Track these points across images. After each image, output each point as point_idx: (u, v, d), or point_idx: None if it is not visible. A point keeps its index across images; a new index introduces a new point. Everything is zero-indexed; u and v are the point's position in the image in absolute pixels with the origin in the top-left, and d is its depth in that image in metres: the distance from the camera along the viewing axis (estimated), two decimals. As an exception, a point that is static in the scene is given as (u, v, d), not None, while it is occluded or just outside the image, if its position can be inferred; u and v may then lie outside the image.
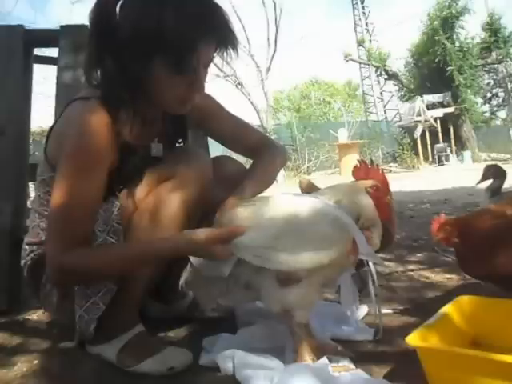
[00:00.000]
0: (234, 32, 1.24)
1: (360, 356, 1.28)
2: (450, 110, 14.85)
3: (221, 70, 17.18)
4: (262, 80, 17.91)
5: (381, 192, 1.27)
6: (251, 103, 17.44)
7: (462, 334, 1.25)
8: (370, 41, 20.89)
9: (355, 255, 1.20)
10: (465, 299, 1.30)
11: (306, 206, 1.18)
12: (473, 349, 1.23)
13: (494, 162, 3.97)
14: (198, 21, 1.14)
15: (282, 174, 12.54)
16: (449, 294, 1.76)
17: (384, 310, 1.67)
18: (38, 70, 2.29)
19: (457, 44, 15.41)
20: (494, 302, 1.29)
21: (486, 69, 17.08)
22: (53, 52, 2.30)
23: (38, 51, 2.34)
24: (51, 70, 2.26)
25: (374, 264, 1.32)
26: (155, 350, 1.28)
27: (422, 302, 1.75)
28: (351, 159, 12.79)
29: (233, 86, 17.87)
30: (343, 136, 13.61)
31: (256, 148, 1.52)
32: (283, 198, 1.22)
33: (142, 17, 1.13)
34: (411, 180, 9.09)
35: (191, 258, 1.22)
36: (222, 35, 1.22)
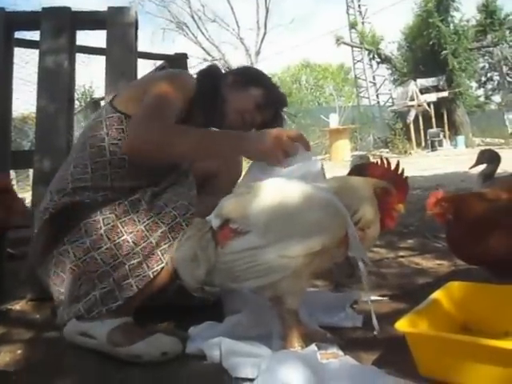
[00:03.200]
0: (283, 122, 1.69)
1: (348, 343, 1.27)
2: (444, 94, 14.73)
3: (209, 54, 17.04)
4: (251, 64, 17.74)
5: (392, 197, 1.20)
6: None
7: (451, 319, 1.24)
8: (363, 23, 20.48)
9: (346, 248, 1.17)
10: (455, 285, 1.28)
11: (297, 191, 1.15)
12: (463, 334, 1.22)
13: (487, 147, 3.94)
14: (277, 96, 1.65)
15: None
16: (439, 280, 1.73)
17: (373, 297, 1.66)
18: (19, 53, 2.24)
19: (451, 27, 15.23)
20: (484, 288, 1.28)
21: (482, 52, 16.93)
22: (34, 35, 2.25)
23: (18, 34, 2.29)
24: (33, 55, 2.22)
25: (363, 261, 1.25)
26: (147, 334, 1.27)
27: (412, 289, 1.74)
28: (342, 145, 12.72)
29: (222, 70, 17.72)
30: (334, 121, 13.52)
31: None
32: (274, 186, 1.18)
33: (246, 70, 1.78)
34: (402, 166, 9.03)
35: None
36: (278, 118, 1.65)
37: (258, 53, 18.16)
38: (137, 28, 2.28)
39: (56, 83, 2.05)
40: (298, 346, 1.16)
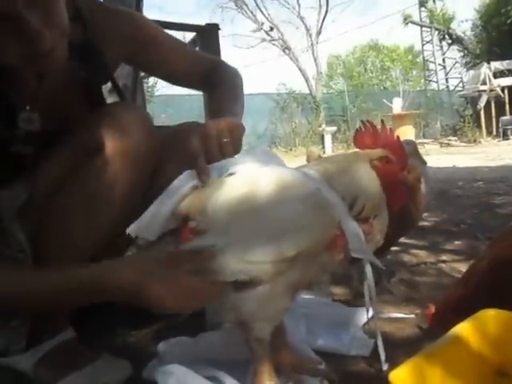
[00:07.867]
0: None
1: (344, 380, 1.00)
2: (521, 78, 13.64)
3: (267, 34, 16.58)
4: (311, 45, 17.06)
5: (394, 166, 0.92)
6: (299, 69, 16.66)
7: (482, 362, 0.92)
8: (434, 0, 19.09)
9: (343, 251, 0.88)
10: (489, 314, 0.95)
11: (271, 181, 0.87)
12: (499, 381, 0.91)
13: None
14: None
15: (329, 146, 12.02)
16: (483, 296, 1.42)
17: (396, 315, 1.38)
18: None
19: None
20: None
21: None
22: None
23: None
24: None
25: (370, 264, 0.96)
26: (85, 361, 1.03)
27: (448, 305, 1.42)
28: (405, 131, 12.14)
29: (280, 50, 17.18)
30: (397, 106, 12.82)
31: (210, 75, 1.27)
32: (243, 175, 0.90)
33: None
34: (468, 155, 8.40)
35: None
36: None
37: (319, 32, 17.28)
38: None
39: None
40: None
